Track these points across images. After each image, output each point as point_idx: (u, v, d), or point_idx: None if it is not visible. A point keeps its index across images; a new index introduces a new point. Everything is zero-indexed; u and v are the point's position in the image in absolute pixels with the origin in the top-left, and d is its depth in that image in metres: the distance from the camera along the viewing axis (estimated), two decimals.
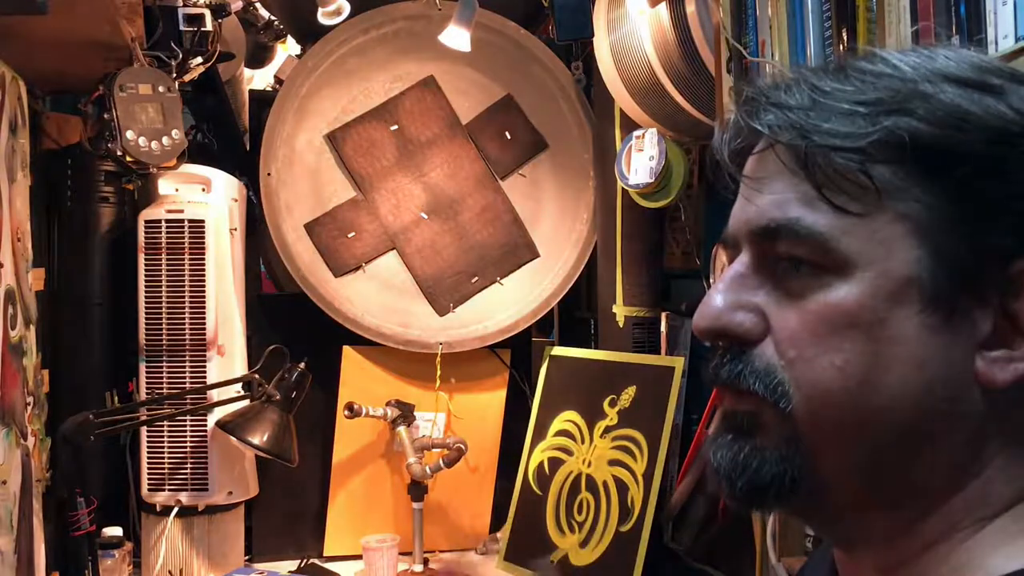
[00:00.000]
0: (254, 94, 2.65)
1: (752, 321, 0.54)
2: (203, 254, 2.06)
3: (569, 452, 2.17)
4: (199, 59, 2.06)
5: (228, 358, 2.10)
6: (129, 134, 1.87)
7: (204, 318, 2.06)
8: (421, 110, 2.30)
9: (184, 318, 2.06)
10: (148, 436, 2.07)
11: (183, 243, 2.05)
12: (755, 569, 1.62)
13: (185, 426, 2.07)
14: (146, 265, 2.05)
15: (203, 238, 2.06)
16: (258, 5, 2.59)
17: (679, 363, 2.07)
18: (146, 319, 2.05)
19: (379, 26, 2.27)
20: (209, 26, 2.02)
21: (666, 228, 2.29)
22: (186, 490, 2.07)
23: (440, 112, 2.31)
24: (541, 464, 2.24)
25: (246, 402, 2.00)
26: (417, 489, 2.21)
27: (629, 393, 2.07)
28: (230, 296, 2.12)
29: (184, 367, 2.06)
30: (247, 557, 2.27)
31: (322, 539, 2.33)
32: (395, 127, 2.29)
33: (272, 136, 2.23)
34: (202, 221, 2.06)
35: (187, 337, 2.06)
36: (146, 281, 2.05)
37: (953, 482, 0.51)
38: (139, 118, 1.88)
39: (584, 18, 1.93)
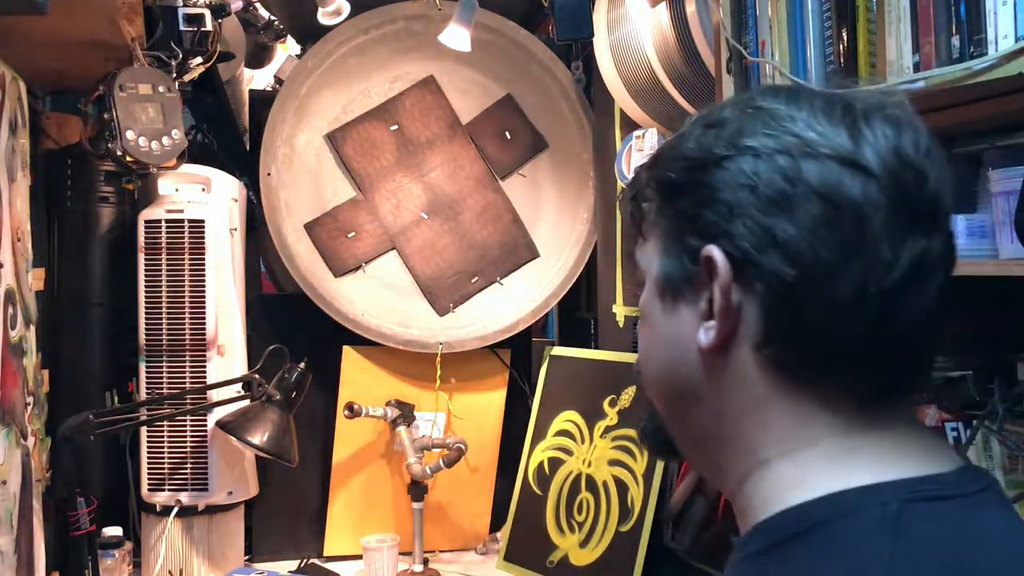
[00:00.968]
0: (254, 94, 2.65)
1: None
2: (203, 254, 2.06)
3: (569, 452, 2.17)
4: (199, 59, 2.06)
5: (228, 358, 2.10)
6: (129, 134, 1.87)
7: (204, 318, 2.06)
8: (421, 110, 2.30)
9: (184, 318, 2.06)
10: (148, 436, 2.07)
11: (183, 243, 2.05)
12: None
13: (185, 426, 2.07)
14: (146, 265, 2.05)
15: (203, 238, 2.06)
16: (258, 5, 2.59)
17: None
18: (146, 319, 2.05)
19: (379, 26, 2.27)
20: (209, 26, 2.02)
21: None
22: (186, 490, 2.07)
23: (440, 112, 2.31)
24: (541, 464, 2.24)
25: (246, 402, 2.00)
26: (417, 489, 2.21)
27: (629, 393, 2.07)
28: (230, 296, 2.12)
29: (184, 367, 2.06)
30: (247, 557, 2.27)
31: (322, 539, 2.33)
32: (395, 127, 2.29)
33: (272, 136, 2.23)
34: (202, 221, 2.06)
35: (187, 337, 2.06)
36: (146, 281, 2.05)
37: (725, 432, 0.63)
38: (139, 118, 1.88)
39: (584, 18, 1.93)
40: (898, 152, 0.58)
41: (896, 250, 0.57)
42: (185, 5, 2.01)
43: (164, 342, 2.06)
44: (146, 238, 2.05)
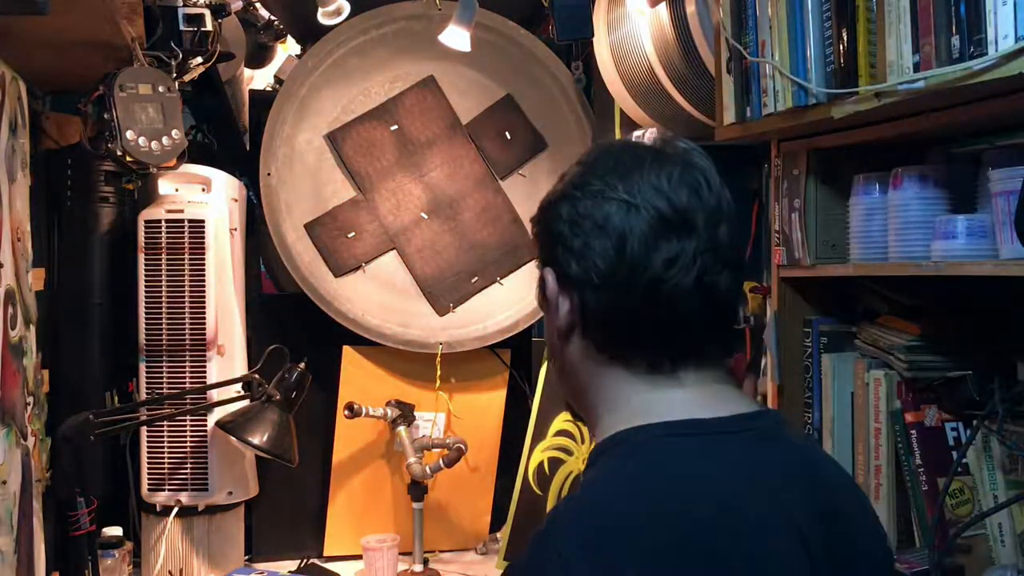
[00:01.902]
0: (254, 94, 2.65)
1: None
2: (203, 254, 2.06)
3: (569, 452, 2.17)
4: (199, 59, 2.06)
5: (228, 358, 2.10)
6: (129, 134, 1.87)
7: (204, 318, 2.06)
8: (421, 110, 2.30)
9: (184, 318, 2.06)
10: (148, 436, 2.07)
11: (183, 243, 2.05)
12: None
13: (185, 426, 2.07)
14: (146, 265, 2.05)
15: (203, 238, 2.06)
16: (258, 5, 2.59)
17: None
18: (146, 319, 2.05)
19: (379, 26, 2.27)
20: (209, 26, 2.01)
21: None
22: (186, 490, 2.07)
23: (440, 112, 2.31)
24: (541, 464, 2.24)
25: (246, 402, 2.00)
26: (417, 489, 2.21)
27: None
28: (230, 296, 2.12)
29: (184, 367, 2.06)
30: (247, 557, 2.27)
31: (322, 539, 2.33)
32: (395, 127, 2.29)
33: (272, 136, 2.23)
34: (202, 221, 2.06)
35: (187, 337, 2.06)
36: (146, 281, 2.05)
37: (585, 397, 0.88)
38: (139, 118, 1.88)
39: (584, 18, 1.93)
40: (655, 188, 0.83)
41: (651, 255, 0.81)
42: (185, 5, 2.01)
43: (164, 342, 2.06)
44: (146, 238, 2.05)
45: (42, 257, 2.02)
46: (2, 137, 1.59)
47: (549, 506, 2.15)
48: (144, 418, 2.03)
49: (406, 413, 2.26)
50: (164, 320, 2.05)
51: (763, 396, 1.83)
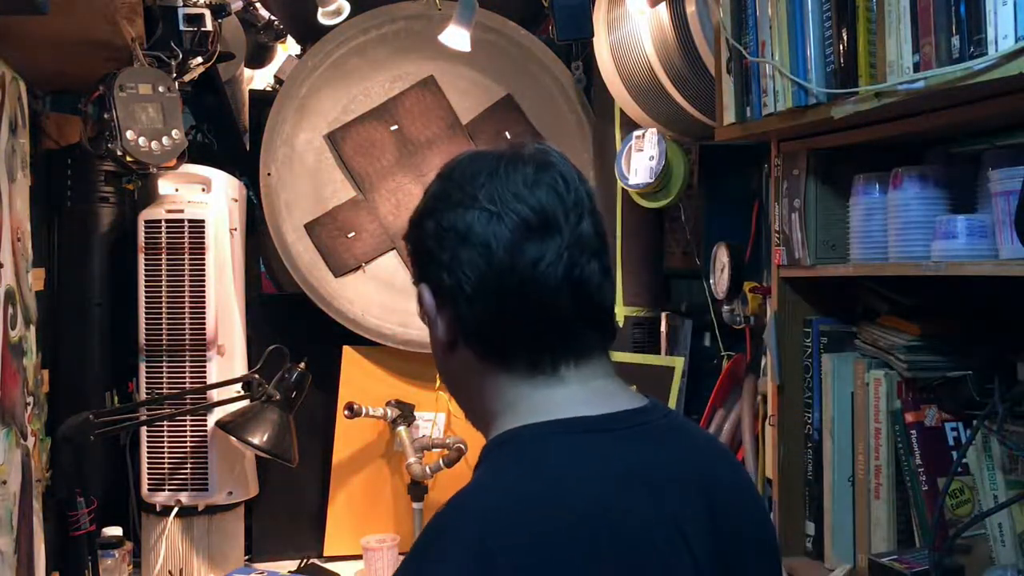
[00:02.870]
0: (254, 94, 2.65)
1: None
2: (203, 254, 2.06)
3: None
4: (199, 59, 2.06)
5: (228, 358, 2.10)
6: (129, 134, 1.87)
7: (204, 318, 2.06)
8: (421, 110, 2.30)
9: (184, 318, 2.06)
10: (148, 436, 2.07)
11: (183, 243, 2.05)
12: None
13: (185, 426, 2.07)
14: (146, 265, 2.05)
15: (203, 238, 2.06)
16: (258, 5, 2.59)
17: (679, 363, 2.07)
18: (146, 319, 2.05)
19: (379, 26, 2.27)
20: (209, 26, 2.01)
21: (666, 228, 2.29)
22: (186, 490, 2.07)
23: (440, 112, 2.31)
24: None
25: (246, 402, 2.00)
26: (417, 489, 2.21)
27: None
28: (230, 296, 2.12)
29: (184, 367, 2.06)
30: (247, 557, 2.27)
31: (322, 539, 2.33)
32: (395, 127, 2.29)
33: (272, 136, 2.23)
34: (202, 221, 2.06)
35: (187, 337, 2.06)
36: (146, 281, 2.05)
37: (475, 402, 0.90)
38: (139, 118, 1.88)
39: (584, 18, 1.93)
40: (514, 192, 0.84)
41: (517, 259, 0.83)
42: (185, 5, 2.01)
43: (164, 342, 2.06)
44: (146, 238, 2.05)
45: (42, 257, 2.02)
46: (2, 137, 1.59)
47: None
48: (144, 418, 2.03)
49: (406, 413, 2.26)
50: (164, 320, 2.05)
51: (763, 396, 1.83)
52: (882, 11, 1.28)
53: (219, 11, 2.08)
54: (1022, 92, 1.15)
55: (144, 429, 2.06)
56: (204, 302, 2.06)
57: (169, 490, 2.07)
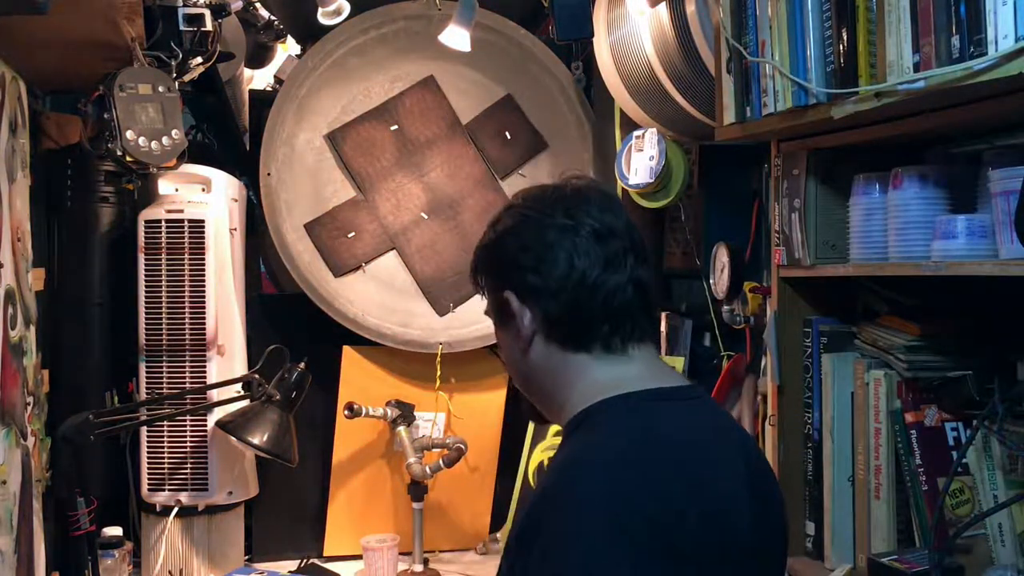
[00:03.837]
0: (254, 94, 2.65)
1: None
2: (203, 254, 2.06)
3: None
4: (199, 59, 2.06)
5: (228, 358, 2.10)
6: (129, 134, 1.86)
7: (204, 318, 2.06)
8: (421, 110, 2.30)
9: (184, 318, 2.06)
10: (148, 436, 2.07)
11: (183, 243, 2.05)
12: None
13: (185, 426, 2.07)
14: (146, 265, 2.05)
15: (203, 238, 2.06)
16: (258, 5, 2.59)
17: (679, 363, 2.07)
18: (146, 319, 2.05)
19: (379, 26, 2.27)
20: (209, 26, 2.01)
21: (666, 228, 2.29)
22: (186, 490, 2.07)
23: (440, 112, 2.31)
24: (541, 464, 2.24)
25: (246, 402, 2.00)
26: (417, 489, 2.21)
27: None
28: (230, 296, 2.12)
29: (184, 367, 2.06)
30: (247, 557, 2.27)
31: (322, 539, 2.33)
32: (395, 127, 2.29)
33: (272, 136, 2.23)
34: (202, 221, 2.06)
35: (187, 337, 2.06)
36: (146, 281, 2.05)
37: (549, 389, 1.06)
38: (139, 118, 1.88)
39: (584, 18, 1.93)
40: (585, 211, 1.03)
41: (591, 259, 1.01)
42: (185, 5, 2.01)
43: (164, 342, 2.06)
44: (146, 238, 2.05)
45: (42, 257, 2.02)
46: (2, 137, 1.59)
47: None
48: (144, 418, 2.03)
49: (406, 413, 2.26)
50: (164, 320, 2.05)
51: (763, 396, 1.83)
52: (882, 11, 1.28)
53: (219, 11, 2.08)
54: (1022, 92, 1.15)
55: (144, 429, 2.06)
56: (204, 302, 2.06)
57: (169, 490, 2.07)
